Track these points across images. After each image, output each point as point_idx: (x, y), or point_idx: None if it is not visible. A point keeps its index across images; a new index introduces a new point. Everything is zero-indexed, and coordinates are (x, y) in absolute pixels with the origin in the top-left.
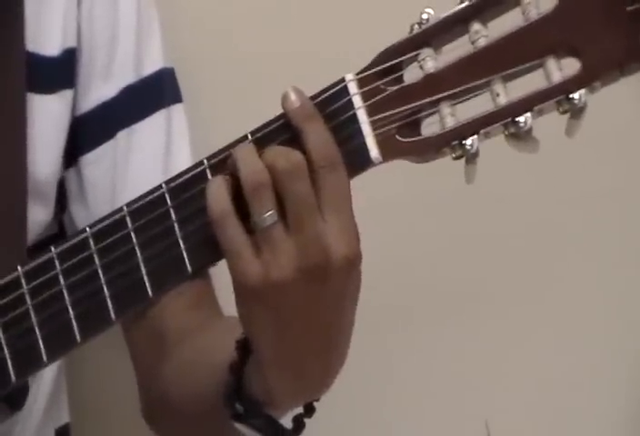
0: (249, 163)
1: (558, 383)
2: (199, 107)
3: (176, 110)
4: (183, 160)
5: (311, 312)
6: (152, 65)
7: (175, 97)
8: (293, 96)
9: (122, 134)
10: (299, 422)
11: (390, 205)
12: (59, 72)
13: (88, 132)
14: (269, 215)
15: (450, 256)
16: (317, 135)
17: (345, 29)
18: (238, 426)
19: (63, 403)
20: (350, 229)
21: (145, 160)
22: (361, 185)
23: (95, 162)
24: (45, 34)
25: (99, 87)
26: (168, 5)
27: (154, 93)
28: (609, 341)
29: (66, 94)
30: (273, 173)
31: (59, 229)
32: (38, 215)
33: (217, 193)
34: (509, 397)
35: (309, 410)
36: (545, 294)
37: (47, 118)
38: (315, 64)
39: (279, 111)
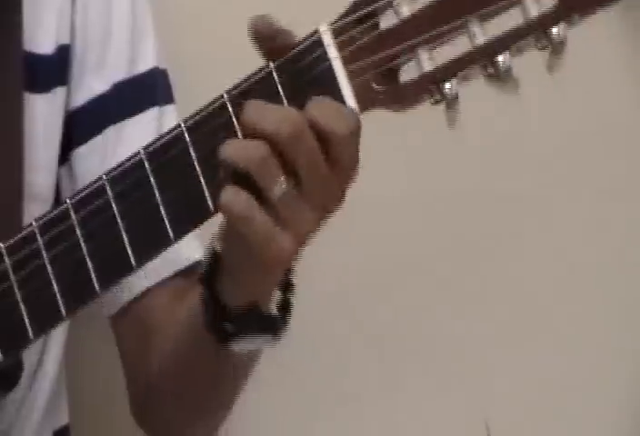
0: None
1: (558, 383)
2: (191, 109)
3: (168, 111)
4: None
5: None
6: (145, 64)
7: (168, 98)
8: None
9: (112, 129)
10: (285, 304)
11: (387, 205)
12: (54, 70)
13: (80, 126)
14: (281, 182)
15: (449, 255)
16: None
17: None
18: (235, 345)
19: (62, 405)
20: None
21: None
22: (359, 185)
23: (86, 156)
24: (40, 33)
25: (91, 82)
26: (163, 5)
27: (145, 90)
28: (609, 342)
29: (60, 92)
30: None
31: None
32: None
33: (235, 195)
34: (509, 397)
35: (288, 287)
36: (545, 294)
37: (43, 117)
38: None
39: None
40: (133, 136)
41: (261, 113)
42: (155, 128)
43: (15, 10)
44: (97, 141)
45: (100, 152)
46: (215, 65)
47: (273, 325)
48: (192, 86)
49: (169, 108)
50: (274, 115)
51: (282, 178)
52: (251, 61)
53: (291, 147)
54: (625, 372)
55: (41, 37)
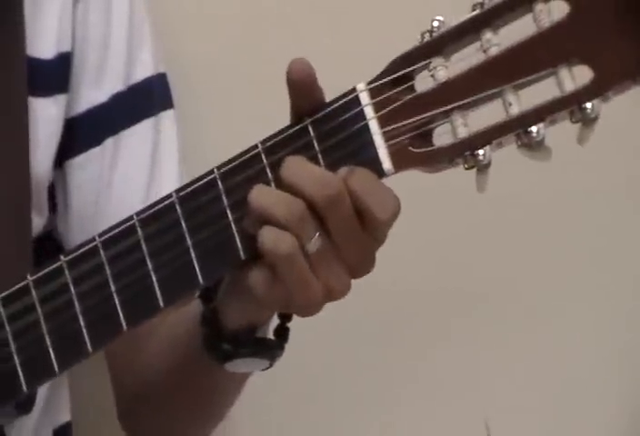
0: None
1: (558, 383)
2: (192, 111)
3: (166, 117)
4: (170, 169)
5: None
6: (142, 73)
7: (165, 104)
8: None
9: (110, 141)
10: (282, 330)
11: None
12: (54, 75)
13: (77, 135)
14: (315, 240)
15: (449, 257)
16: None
17: (351, 36)
18: (229, 366)
19: (62, 403)
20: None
21: (130, 168)
22: None
23: (83, 166)
24: (41, 38)
25: (90, 92)
26: (162, 8)
27: (142, 100)
28: (609, 342)
29: (61, 99)
30: (312, 202)
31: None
32: (36, 218)
33: (281, 235)
34: (509, 397)
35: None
36: (545, 294)
37: (44, 122)
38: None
39: (275, 114)
40: (130, 148)
41: (301, 173)
42: (151, 139)
43: (17, 14)
44: (96, 151)
45: (98, 163)
46: (214, 66)
47: (269, 349)
48: (191, 88)
49: (166, 114)
50: (315, 178)
51: (317, 235)
52: (251, 62)
53: (327, 211)
54: (625, 372)
55: (41, 42)
